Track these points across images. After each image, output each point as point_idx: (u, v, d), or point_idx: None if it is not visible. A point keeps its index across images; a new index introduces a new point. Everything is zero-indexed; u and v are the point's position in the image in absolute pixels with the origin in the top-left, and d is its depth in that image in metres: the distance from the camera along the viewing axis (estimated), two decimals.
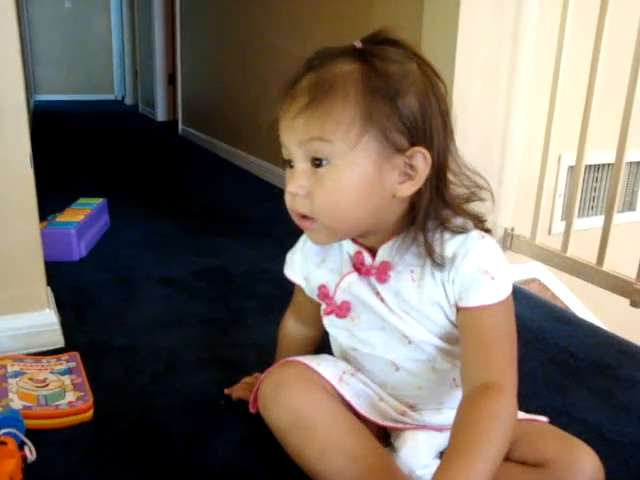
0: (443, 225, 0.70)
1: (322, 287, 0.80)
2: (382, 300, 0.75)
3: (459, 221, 0.71)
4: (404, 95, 0.66)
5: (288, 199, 0.72)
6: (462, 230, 0.70)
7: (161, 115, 5.29)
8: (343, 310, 0.78)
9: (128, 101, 6.94)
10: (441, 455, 0.77)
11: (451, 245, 0.70)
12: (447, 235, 0.70)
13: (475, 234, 0.71)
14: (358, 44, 0.70)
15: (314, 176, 0.69)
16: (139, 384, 1.04)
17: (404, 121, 0.66)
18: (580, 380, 1.12)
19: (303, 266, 0.84)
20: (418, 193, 0.69)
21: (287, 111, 0.69)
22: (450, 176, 0.71)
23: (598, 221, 1.53)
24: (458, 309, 0.71)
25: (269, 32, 2.85)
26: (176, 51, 4.45)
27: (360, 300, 0.76)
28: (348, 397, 0.76)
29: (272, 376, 0.78)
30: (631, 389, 1.10)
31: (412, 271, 0.72)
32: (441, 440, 0.78)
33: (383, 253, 0.74)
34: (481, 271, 0.68)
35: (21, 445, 0.82)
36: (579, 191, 1.54)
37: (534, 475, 0.70)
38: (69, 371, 1.02)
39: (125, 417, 0.95)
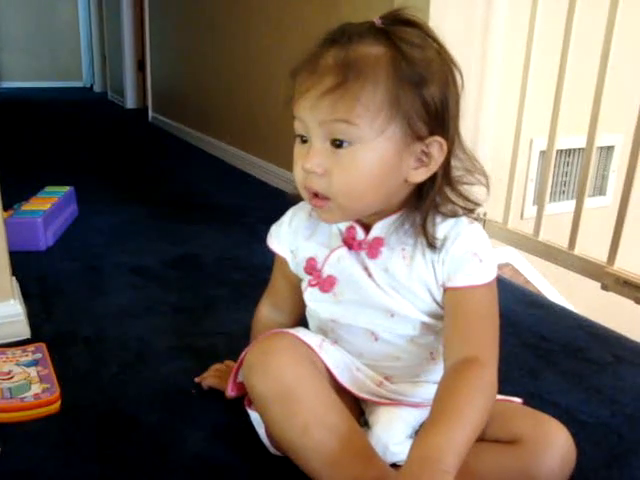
0: (436, 209, 0.73)
1: (310, 260, 0.80)
2: (370, 275, 0.76)
3: (449, 207, 0.73)
4: (429, 84, 0.67)
5: (301, 175, 0.72)
6: (452, 215, 0.73)
7: (130, 102, 5.20)
8: (327, 284, 0.78)
9: (97, 88, 6.81)
10: (416, 434, 0.77)
11: (442, 228, 0.73)
12: (438, 219, 0.73)
13: (464, 219, 0.73)
14: (378, 22, 0.69)
15: (333, 156, 0.69)
16: (107, 374, 1.02)
17: (427, 110, 0.67)
18: (552, 363, 1.13)
19: (291, 240, 0.84)
20: (429, 178, 0.71)
21: (311, 88, 0.68)
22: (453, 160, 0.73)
23: (569, 205, 1.54)
24: (445, 289, 0.73)
25: (240, 18, 2.80)
26: (145, 37, 4.37)
27: (347, 275, 0.77)
28: (328, 363, 0.76)
29: (260, 344, 0.76)
30: (602, 371, 1.11)
31: (403, 249, 0.74)
32: (416, 416, 0.78)
33: (378, 230, 0.75)
34: (470, 253, 0.71)
35: None
36: (550, 176, 1.55)
37: (508, 452, 0.71)
38: (35, 362, 1.00)
39: (93, 408, 0.92)
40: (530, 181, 1.81)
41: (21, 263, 1.27)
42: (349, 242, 0.77)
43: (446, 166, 0.71)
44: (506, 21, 1.59)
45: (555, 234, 1.56)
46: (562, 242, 1.50)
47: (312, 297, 0.82)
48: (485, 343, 0.70)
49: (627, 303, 1.35)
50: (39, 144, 3.41)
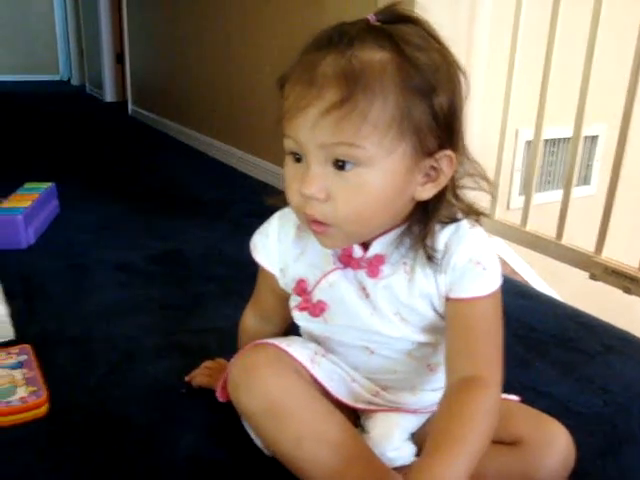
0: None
1: (301, 282, 0.75)
2: (367, 296, 0.71)
3: (447, 211, 0.67)
4: (438, 92, 0.61)
5: (298, 201, 0.64)
6: (451, 220, 0.67)
7: (109, 96, 5.13)
8: (317, 310, 0.74)
9: (74, 82, 6.71)
10: (413, 437, 0.76)
11: (443, 236, 0.67)
12: (437, 226, 0.67)
13: (466, 224, 0.68)
14: (372, 19, 0.62)
15: (336, 178, 0.61)
16: (95, 375, 1.00)
17: (437, 122, 0.61)
18: (543, 354, 1.13)
19: (280, 257, 0.77)
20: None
21: (310, 104, 0.59)
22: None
23: (554, 195, 1.55)
24: (447, 299, 0.69)
25: (221, 8, 2.77)
26: (124, 28, 4.30)
27: (338, 301, 0.72)
28: (320, 378, 0.74)
29: (242, 359, 0.74)
30: (592, 361, 1.11)
31: (405, 263, 0.69)
32: (413, 422, 0.77)
33: (378, 246, 0.69)
34: (473, 262, 0.66)
35: None
36: (538, 166, 1.55)
37: (508, 453, 0.70)
38: (20, 365, 0.97)
39: (82, 411, 0.90)
40: (516, 171, 1.81)
41: (2, 262, 1.24)
42: (346, 260, 0.71)
43: (452, 177, 0.66)
44: (492, 11, 1.58)
45: (541, 224, 1.56)
46: (548, 232, 1.51)
47: (301, 318, 0.78)
48: (489, 361, 0.67)
49: (613, 292, 1.36)
50: (15, 139, 3.35)
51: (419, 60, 0.60)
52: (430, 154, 0.63)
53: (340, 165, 0.61)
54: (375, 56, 0.59)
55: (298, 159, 0.64)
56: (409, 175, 0.63)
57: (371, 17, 0.63)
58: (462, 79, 0.65)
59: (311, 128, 0.60)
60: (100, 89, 5.30)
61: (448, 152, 0.63)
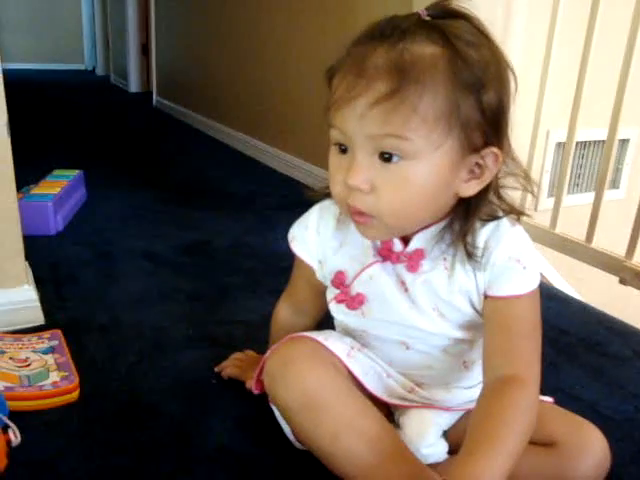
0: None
1: (339, 274, 0.75)
2: (406, 290, 0.71)
3: (488, 209, 0.67)
4: (487, 88, 0.60)
5: (341, 191, 0.64)
6: (492, 218, 0.67)
7: (134, 86, 5.16)
8: (355, 302, 0.74)
9: (99, 71, 6.77)
10: (445, 434, 0.76)
11: (483, 233, 0.67)
12: (477, 224, 0.67)
13: (506, 222, 0.68)
14: (423, 13, 0.62)
15: (381, 170, 0.61)
16: (125, 363, 1.00)
17: (484, 118, 0.61)
18: (572, 357, 1.12)
19: (319, 249, 0.77)
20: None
21: (359, 95, 0.59)
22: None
23: (582, 198, 1.53)
24: (486, 297, 0.69)
25: (248, 2, 2.77)
26: (150, 20, 4.33)
27: (377, 294, 0.72)
28: (356, 373, 0.73)
29: (279, 352, 0.73)
30: (622, 366, 1.10)
31: (444, 259, 0.69)
32: (447, 419, 0.76)
33: (418, 241, 0.69)
34: (513, 260, 0.66)
35: (4, 428, 0.78)
36: (569, 168, 1.53)
37: (542, 455, 0.69)
38: (52, 350, 0.98)
39: (112, 397, 0.91)
40: (545, 173, 1.79)
41: (31, 248, 1.24)
42: (385, 254, 0.71)
43: (495, 176, 0.66)
44: (527, 9, 1.56)
45: (568, 227, 1.54)
46: (575, 235, 1.49)
47: (338, 310, 0.77)
48: (527, 360, 0.66)
49: (636, 297, 1.34)
50: (43, 127, 3.38)
51: (470, 56, 0.60)
52: (476, 150, 0.63)
53: (386, 157, 0.61)
54: (426, 50, 0.59)
55: (343, 150, 0.64)
56: (454, 171, 0.63)
57: (422, 12, 0.62)
58: (511, 77, 0.64)
59: (359, 119, 0.60)
60: (125, 79, 5.33)
61: (494, 149, 0.63)
